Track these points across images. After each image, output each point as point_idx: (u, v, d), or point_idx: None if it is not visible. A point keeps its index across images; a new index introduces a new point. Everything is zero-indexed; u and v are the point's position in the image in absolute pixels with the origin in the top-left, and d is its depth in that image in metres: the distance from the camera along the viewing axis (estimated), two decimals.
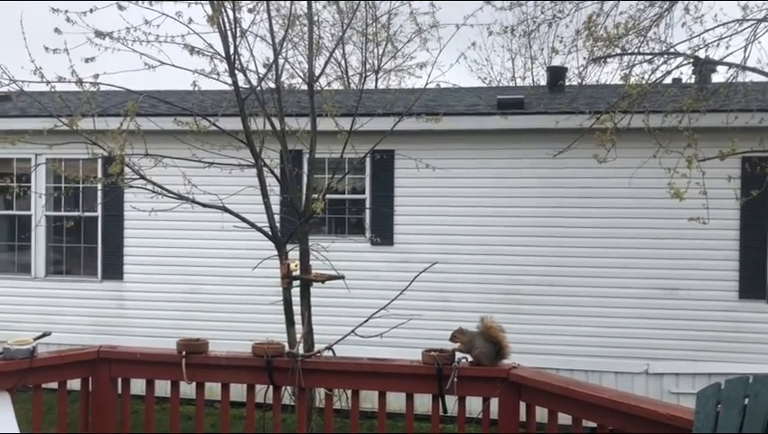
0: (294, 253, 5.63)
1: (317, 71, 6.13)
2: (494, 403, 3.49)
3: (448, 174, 7.91)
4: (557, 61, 14.09)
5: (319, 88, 6.37)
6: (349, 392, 3.75)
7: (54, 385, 3.70)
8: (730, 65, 6.63)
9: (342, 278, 5.29)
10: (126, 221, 8.86)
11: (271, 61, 5.55)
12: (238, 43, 5.33)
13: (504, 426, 3.47)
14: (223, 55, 5.38)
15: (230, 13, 5.30)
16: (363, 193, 8.59)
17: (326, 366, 3.70)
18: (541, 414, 3.36)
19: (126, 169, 5.49)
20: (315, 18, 6.45)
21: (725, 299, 7.80)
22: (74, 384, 3.81)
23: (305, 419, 3.87)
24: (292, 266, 5.14)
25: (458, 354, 3.55)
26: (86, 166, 8.39)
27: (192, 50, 5.31)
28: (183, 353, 3.65)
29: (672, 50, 6.83)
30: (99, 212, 8.93)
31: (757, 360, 7.53)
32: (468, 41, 7.17)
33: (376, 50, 17.89)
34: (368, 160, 8.00)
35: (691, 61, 6.80)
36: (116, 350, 3.88)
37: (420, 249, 8.10)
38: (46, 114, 6.01)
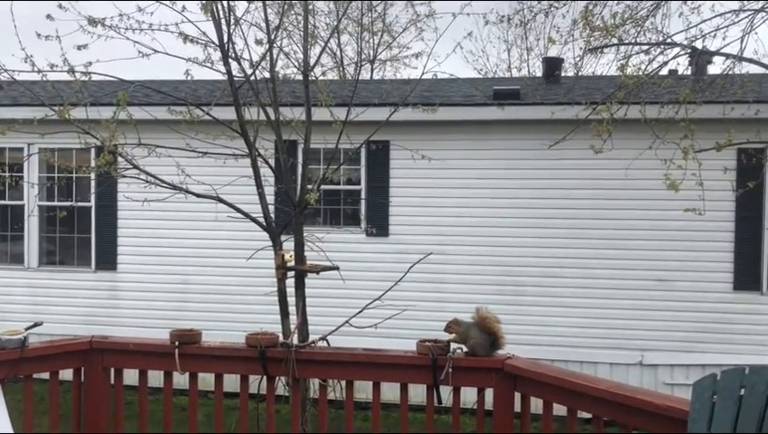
0: (288, 244, 5.60)
1: (312, 61, 6.09)
2: (489, 394, 3.47)
3: (444, 165, 7.88)
4: (553, 52, 14.05)
5: (314, 77, 6.30)
6: (343, 383, 3.73)
7: (46, 375, 3.67)
8: (727, 56, 6.61)
9: (337, 268, 5.27)
10: (119, 211, 8.81)
11: (265, 48, 5.51)
12: (232, 32, 5.28)
13: (499, 416, 3.45)
14: (217, 44, 5.33)
15: (224, 1, 5.25)
16: (358, 183, 8.56)
17: (320, 357, 3.68)
18: (536, 405, 3.35)
19: (120, 159, 5.44)
20: (310, 7, 6.40)
21: (720, 291, 7.81)
22: (67, 375, 3.79)
23: (300, 409, 3.85)
24: (286, 256, 5.12)
25: (453, 345, 3.53)
26: (79, 156, 8.34)
27: (185, 38, 5.27)
28: (176, 343, 3.63)
29: (669, 40, 6.80)
30: (93, 203, 8.88)
31: (751, 351, 7.55)
32: (464, 31, 7.13)
33: (372, 40, 17.82)
34: (363, 151, 7.97)
35: (688, 51, 6.78)
36: (108, 340, 3.85)
37: (416, 240, 8.08)
38: (38, 103, 5.96)
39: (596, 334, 7.94)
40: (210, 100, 5.96)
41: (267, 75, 5.72)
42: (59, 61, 5.17)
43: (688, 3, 6.64)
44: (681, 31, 6.80)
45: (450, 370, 3.40)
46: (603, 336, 7.93)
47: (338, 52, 18.86)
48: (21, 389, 3.63)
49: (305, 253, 5.58)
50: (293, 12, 7.81)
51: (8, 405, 3.38)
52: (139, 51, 5.30)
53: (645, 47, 6.85)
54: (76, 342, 3.76)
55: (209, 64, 5.37)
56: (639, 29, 6.89)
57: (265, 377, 3.67)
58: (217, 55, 5.38)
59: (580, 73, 13.24)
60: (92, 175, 8.46)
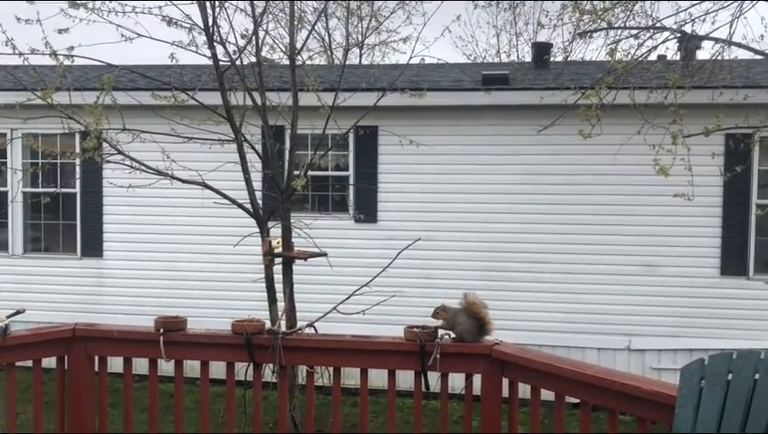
0: (276, 230, 5.57)
1: (299, 45, 6.03)
2: (477, 380, 3.46)
3: (432, 150, 7.84)
4: (542, 37, 14.03)
5: (301, 62, 6.24)
6: (331, 370, 3.71)
7: (30, 363, 3.62)
8: (716, 40, 6.60)
9: (325, 255, 5.25)
10: (105, 197, 8.72)
11: (251, 32, 5.44)
12: (217, 15, 5.21)
13: (487, 402, 3.45)
14: (202, 27, 5.26)
15: None
16: (347, 169, 8.51)
17: (307, 343, 3.66)
18: (524, 390, 3.35)
19: (104, 144, 5.37)
20: None
21: (708, 276, 7.84)
22: (52, 363, 3.74)
23: (287, 396, 3.83)
24: (274, 243, 5.09)
25: (441, 331, 3.51)
26: (63, 142, 8.23)
27: (169, 21, 5.19)
28: (161, 330, 3.59)
29: (658, 24, 6.77)
30: (78, 189, 8.79)
31: (738, 336, 7.60)
32: (453, 15, 7.08)
33: (360, 24, 17.68)
34: (351, 136, 7.91)
35: (677, 36, 6.76)
36: (92, 328, 3.81)
37: (404, 226, 8.06)
38: (20, 88, 5.87)
39: (584, 319, 7.96)
40: (196, 85, 5.90)
41: (254, 59, 5.66)
42: (40, 46, 5.09)
43: None
44: (671, 15, 6.78)
45: (438, 356, 3.39)
46: (590, 322, 7.96)
47: (326, 37, 18.72)
48: (4, 377, 3.58)
49: (293, 240, 5.55)
50: None
51: None
52: (122, 35, 5.22)
53: (634, 31, 6.83)
54: (59, 329, 3.71)
55: (193, 48, 5.30)
56: (628, 13, 6.87)
57: (251, 364, 3.64)
58: (202, 39, 5.32)
59: (569, 58, 13.24)
60: (77, 161, 8.38)
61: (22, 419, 4.26)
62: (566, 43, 14.95)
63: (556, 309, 7.99)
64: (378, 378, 3.76)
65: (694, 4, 6.51)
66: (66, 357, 3.71)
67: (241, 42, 5.58)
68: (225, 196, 5.42)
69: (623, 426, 3.15)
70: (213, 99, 5.60)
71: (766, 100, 6.97)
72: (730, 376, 2.37)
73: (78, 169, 8.70)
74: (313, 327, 3.87)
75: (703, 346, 7.53)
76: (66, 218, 8.99)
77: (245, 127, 5.51)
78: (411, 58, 6.00)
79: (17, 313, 3.58)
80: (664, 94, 6.44)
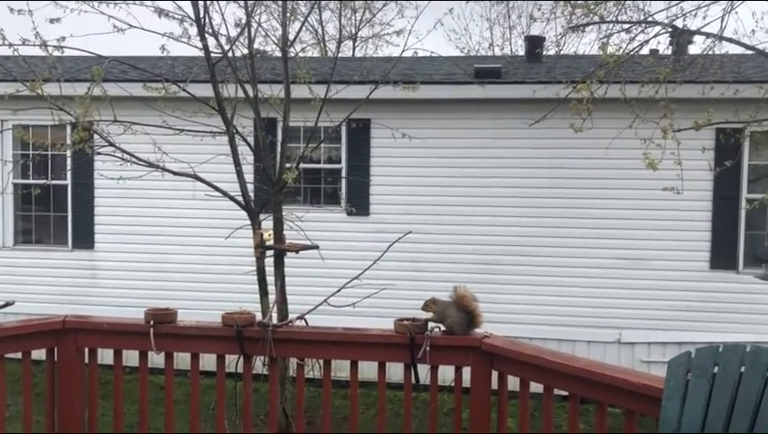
0: (267, 223, 5.57)
1: (291, 37, 6.01)
2: (467, 372, 3.48)
3: (425, 143, 7.85)
4: (535, 30, 14.03)
5: (293, 54, 6.23)
6: (321, 362, 3.72)
7: (19, 355, 3.61)
8: (707, 35, 6.61)
9: (317, 247, 5.25)
10: (96, 189, 8.68)
11: (243, 23, 5.42)
12: (208, 6, 5.19)
13: (476, 394, 3.46)
14: (193, 18, 5.24)
15: None
16: (339, 162, 8.51)
17: (298, 336, 3.66)
18: (513, 383, 3.36)
19: (95, 136, 5.35)
20: None
21: (697, 269, 7.89)
22: (42, 355, 3.73)
23: (277, 388, 3.84)
24: (265, 235, 5.10)
25: (431, 324, 3.52)
26: (54, 133, 8.18)
27: (160, 12, 5.17)
28: (152, 322, 3.58)
29: (650, 19, 6.78)
30: (69, 180, 8.75)
31: (727, 329, 7.66)
32: (446, 8, 7.07)
33: (354, 17, 17.63)
34: (344, 129, 7.91)
35: (669, 30, 6.77)
36: (82, 320, 3.79)
37: (396, 219, 8.06)
38: (10, 78, 5.83)
39: (574, 312, 8.00)
40: (188, 77, 5.88)
41: (246, 51, 5.64)
42: (31, 36, 5.06)
43: None
44: (662, 9, 6.79)
45: (428, 348, 3.39)
46: (580, 315, 8.00)
47: (319, 29, 18.67)
48: None
49: (285, 232, 5.56)
50: None
51: None
52: (114, 26, 5.20)
53: (626, 26, 6.83)
54: (48, 321, 3.70)
55: (185, 39, 5.28)
56: (620, 7, 6.87)
57: (242, 356, 3.65)
58: (193, 30, 5.30)
59: (562, 52, 13.24)
60: (68, 153, 8.34)
61: (12, 411, 4.26)
62: (559, 37, 14.95)
63: (546, 302, 8.02)
64: (368, 370, 3.77)
65: None
66: (56, 349, 3.69)
67: (233, 34, 5.57)
68: (216, 189, 5.42)
69: (612, 418, 3.17)
70: (205, 90, 5.58)
71: (757, 95, 6.99)
72: (716, 369, 2.39)
73: (68, 161, 8.66)
74: (304, 320, 3.88)
75: (692, 340, 7.57)
76: (57, 210, 8.96)
77: (237, 120, 5.50)
78: (404, 51, 6.00)
79: (6, 305, 3.57)
80: (655, 88, 6.46)
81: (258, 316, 3.80)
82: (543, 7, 8.07)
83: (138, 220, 8.62)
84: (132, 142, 5.37)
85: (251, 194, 5.63)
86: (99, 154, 5.49)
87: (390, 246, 5.03)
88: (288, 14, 5.96)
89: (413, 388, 3.58)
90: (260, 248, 4.96)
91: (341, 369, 3.82)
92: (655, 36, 6.84)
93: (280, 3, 6.17)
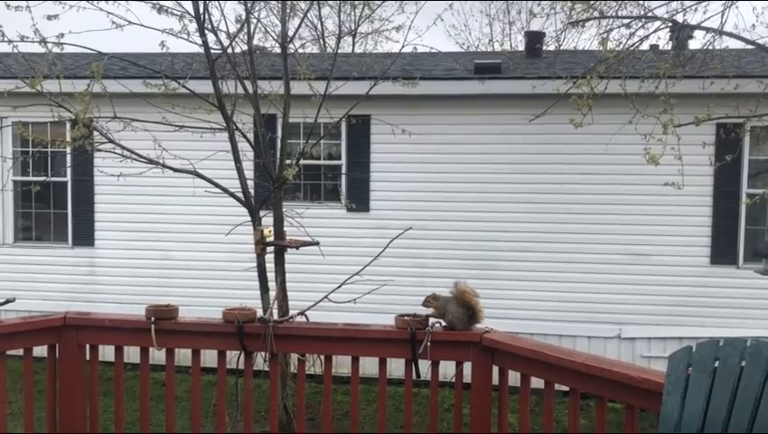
0: (268, 219, 5.57)
1: (291, 33, 6.00)
2: (467, 367, 3.48)
3: (425, 139, 7.85)
4: (535, 26, 14.00)
5: (293, 50, 6.22)
6: (322, 358, 3.73)
7: (21, 352, 3.62)
8: (708, 30, 6.60)
9: (317, 244, 5.26)
10: (96, 186, 8.68)
11: (243, 19, 5.41)
12: (208, 2, 5.18)
13: (477, 390, 3.47)
14: (193, 14, 5.23)
15: None
16: (339, 158, 8.50)
17: (299, 332, 3.66)
18: (514, 378, 3.37)
19: (95, 133, 5.34)
20: None
21: (697, 265, 7.89)
22: (43, 351, 3.74)
23: (278, 384, 3.85)
24: (266, 232, 5.09)
25: (432, 319, 3.53)
26: (54, 130, 8.18)
27: (159, 8, 5.16)
28: (152, 319, 3.59)
29: (650, 13, 6.77)
30: (69, 177, 8.75)
31: (727, 324, 7.67)
32: (445, 3, 7.06)
33: (353, 13, 17.61)
34: (343, 125, 7.90)
35: (669, 25, 6.76)
36: (83, 316, 3.80)
37: (396, 215, 8.07)
38: (9, 75, 5.82)
39: (575, 307, 8.01)
40: (187, 73, 5.86)
41: (245, 47, 5.63)
42: (30, 33, 5.05)
43: None
44: (662, 4, 6.78)
45: (428, 344, 3.40)
46: (581, 310, 8.01)
47: (318, 25, 18.62)
48: None
49: (285, 228, 5.55)
50: None
51: None
52: (113, 23, 5.18)
53: (626, 21, 6.82)
54: (49, 318, 3.70)
55: (184, 36, 5.26)
56: (620, 2, 6.86)
57: (243, 352, 3.65)
58: (193, 26, 5.28)
59: (562, 48, 13.23)
60: (67, 150, 8.33)
61: (13, 407, 4.28)
62: (559, 33, 14.95)
63: (547, 298, 8.03)
64: (369, 366, 3.78)
65: None
66: (57, 346, 3.70)
67: (233, 30, 5.56)
68: (217, 185, 5.41)
69: (612, 413, 3.18)
70: (205, 87, 5.57)
71: (757, 90, 6.98)
72: (717, 364, 2.39)
73: (68, 158, 8.65)
74: (305, 316, 3.89)
75: (693, 335, 7.59)
76: (57, 207, 8.95)
77: (236, 116, 5.49)
78: (404, 47, 6.00)
79: (7, 301, 3.58)
80: (655, 84, 6.45)
81: (259, 313, 3.81)
82: (543, 3, 8.04)
83: (138, 217, 8.62)
84: (132, 139, 5.36)
85: (251, 191, 5.62)
86: (99, 150, 5.47)
87: (391, 242, 5.03)
88: (288, 11, 5.94)
89: (414, 383, 3.58)
90: (261, 244, 4.95)
91: (341, 365, 3.83)
92: (655, 31, 6.84)
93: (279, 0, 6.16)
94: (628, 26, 6.74)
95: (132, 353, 3.82)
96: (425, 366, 3.51)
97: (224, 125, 5.41)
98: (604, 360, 3.30)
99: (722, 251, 7.87)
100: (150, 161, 5.36)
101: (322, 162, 8.61)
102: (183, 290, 8.14)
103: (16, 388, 4.00)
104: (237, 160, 5.35)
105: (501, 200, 8.14)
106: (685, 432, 2.38)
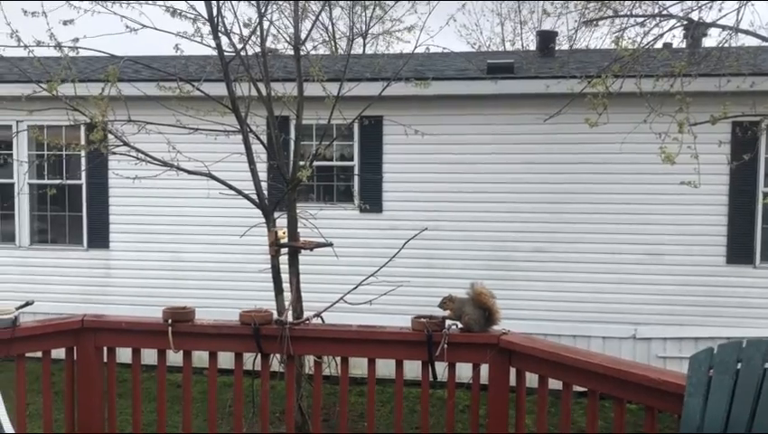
0: (282, 221, 5.58)
1: (303, 35, 6.01)
2: (484, 369, 3.47)
3: (437, 140, 7.83)
4: (547, 25, 13.94)
5: (305, 51, 6.22)
6: (338, 359, 3.72)
7: (40, 354, 3.65)
8: (723, 27, 6.55)
9: (331, 245, 5.25)
10: (110, 189, 8.73)
11: (256, 22, 5.42)
12: (221, 5, 5.20)
13: (494, 391, 3.46)
14: (206, 17, 5.25)
15: None
16: (352, 159, 8.50)
17: (315, 333, 3.66)
18: (531, 380, 3.35)
19: (110, 136, 5.38)
20: None
21: (713, 264, 7.83)
22: (61, 353, 3.77)
23: (294, 385, 3.85)
24: (280, 233, 5.09)
25: (448, 321, 3.52)
26: (69, 134, 8.24)
27: (173, 12, 5.18)
28: (169, 321, 3.60)
29: (665, 12, 6.72)
30: (83, 180, 8.80)
31: (744, 324, 7.60)
32: (457, 4, 7.03)
33: (364, 14, 17.61)
34: (356, 126, 7.90)
35: (684, 23, 6.71)
36: (100, 319, 3.82)
37: (409, 216, 8.06)
38: (25, 79, 5.87)
39: (589, 308, 7.97)
40: (201, 76, 5.89)
41: (258, 50, 5.65)
42: (45, 38, 5.09)
43: None
44: (677, 2, 6.73)
45: (445, 346, 3.39)
46: (596, 310, 7.96)
47: (329, 27, 18.64)
48: (14, 367, 3.61)
49: (299, 230, 5.56)
50: None
51: (2, 383, 3.37)
52: (127, 26, 5.21)
53: (640, 19, 6.78)
54: (67, 321, 3.73)
55: (198, 38, 5.28)
56: (634, 1, 6.82)
57: (259, 354, 3.66)
58: (206, 29, 5.30)
59: (574, 47, 13.16)
60: (82, 153, 8.39)
61: (32, 409, 4.30)
62: (572, 32, 14.89)
63: (561, 298, 7.99)
64: (385, 368, 3.77)
65: None
66: (75, 348, 3.73)
67: (246, 33, 5.57)
68: (231, 187, 5.42)
69: (628, 414, 3.16)
70: (218, 89, 5.59)
71: None
72: (739, 365, 2.37)
73: (83, 161, 8.71)
74: (321, 317, 3.89)
75: (709, 335, 7.54)
76: (72, 209, 9.02)
77: (250, 118, 5.51)
78: (416, 47, 5.98)
79: (26, 304, 3.60)
80: (670, 82, 6.40)
81: (275, 314, 3.81)
82: (556, 2, 8.01)
83: (153, 219, 8.66)
84: (146, 141, 5.39)
85: (265, 192, 5.63)
86: (114, 153, 5.51)
87: (407, 243, 5.02)
88: (300, 12, 5.95)
89: (430, 385, 3.57)
90: (275, 246, 4.96)
91: (355, 366, 3.83)
92: (670, 30, 6.79)
93: (292, 2, 6.17)
94: (642, 25, 6.70)
95: (148, 355, 3.83)
96: (440, 368, 3.50)
97: (238, 127, 5.42)
98: (621, 361, 3.28)
99: (738, 251, 7.80)
100: (165, 163, 5.38)
101: (334, 163, 8.62)
102: (197, 292, 8.18)
103: (33, 389, 4.03)
104: (251, 162, 5.36)
105: (515, 200, 8.11)
106: None
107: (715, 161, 7.00)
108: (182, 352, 3.69)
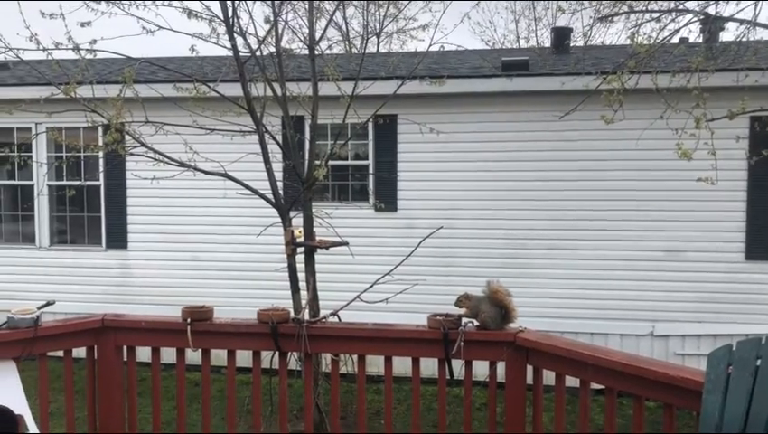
0: (298, 220, 5.61)
1: (318, 34, 6.03)
2: (501, 367, 3.47)
3: (452, 138, 7.83)
4: (561, 22, 13.86)
5: (320, 51, 6.24)
6: (355, 357, 3.74)
7: (62, 353, 3.70)
8: (741, 22, 6.48)
9: (347, 244, 5.27)
10: (128, 189, 8.82)
11: (271, 22, 5.45)
12: (236, 6, 5.23)
13: (511, 389, 3.46)
14: (222, 18, 5.28)
15: None
16: (366, 158, 8.52)
17: (331, 332, 3.68)
18: (548, 377, 3.35)
19: (127, 137, 5.43)
20: None
21: (732, 261, 7.76)
22: (82, 352, 3.82)
23: (312, 383, 3.87)
24: (296, 232, 5.12)
25: (464, 319, 3.52)
26: (87, 135, 8.33)
27: (189, 13, 5.22)
28: (188, 320, 3.63)
29: (681, 6, 6.67)
30: (102, 181, 8.89)
31: (763, 321, 7.53)
32: (471, 1, 7.02)
33: (378, 12, 17.63)
34: (370, 125, 7.91)
35: (701, 18, 6.65)
36: (120, 318, 3.86)
37: (424, 214, 8.06)
38: (44, 82, 5.95)
39: (607, 305, 7.93)
40: (217, 77, 5.93)
41: (273, 50, 5.67)
42: (63, 40, 5.15)
43: None
44: None
45: (462, 344, 3.39)
46: (613, 307, 7.92)
47: (344, 26, 18.69)
48: (36, 366, 3.66)
49: (315, 229, 5.58)
50: None
51: (25, 382, 3.42)
52: (143, 28, 5.26)
53: (656, 14, 6.73)
54: (88, 320, 3.77)
55: (213, 39, 5.32)
56: None
57: (277, 353, 3.68)
58: (222, 30, 5.34)
59: (589, 43, 13.08)
60: (100, 154, 8.48)
61: (53, 407, 4.36)
62: (587, 28, 14.79)
63: (578, 295, 7.96)
64: (401, 365, 3.78)
65: None
66: (95, 347, 3.77)
67: (261, 33, 5.60)
68: (247, 187, 5.46)
69: (647, 412, 3.14)
70: (234, 90, 5.62)
71: None
72: (759, 362, 2.35)
73: (101, 162, 8.80)
74: (337, 316, 3.90)
75: (727, 332, 7.47)
76: (91, 210, 9.11)
77: (265, 118, 5.54)
78: (430, 45, 5.97)
79: (47, 304, 3.65)
80: (687, 78, 6.35)
81: (292, 313, 3.83)
82: None
83: (170, 219, 8.74)
84: (163, 142, 5.44)
85: (281, 192, 5.66)
86: (132, 154, 5.56)
87: (422, 241, 5.02)
88: (314, 12, 5.97)
89: (447, 383, 3.58)
90: (291, 245, 4.99)
91: (371, 364, 3.84)
92: (686, 24, 6.73)
93: (306, 2, 6.19)
94: (658, 20, 6.64)
95: (166, 354, 3.87)
96: (457, 366, 3.51)
97: (254, 127, 5.45)
98: (640, 358, 3.26)
99: (757, 246, 7.72)
100: (182, 164, 5.42)
101: (349, 162, 8.64)
102: (214, 291, 8.24)
103: (55, 388, 4.08)
104: (266, 162, 5.39)
105: (531, 197, 8.08)
106: (726, 432, 2.34)
107: (733, 156, 6.93)
108: (200, 350, 3.73)
